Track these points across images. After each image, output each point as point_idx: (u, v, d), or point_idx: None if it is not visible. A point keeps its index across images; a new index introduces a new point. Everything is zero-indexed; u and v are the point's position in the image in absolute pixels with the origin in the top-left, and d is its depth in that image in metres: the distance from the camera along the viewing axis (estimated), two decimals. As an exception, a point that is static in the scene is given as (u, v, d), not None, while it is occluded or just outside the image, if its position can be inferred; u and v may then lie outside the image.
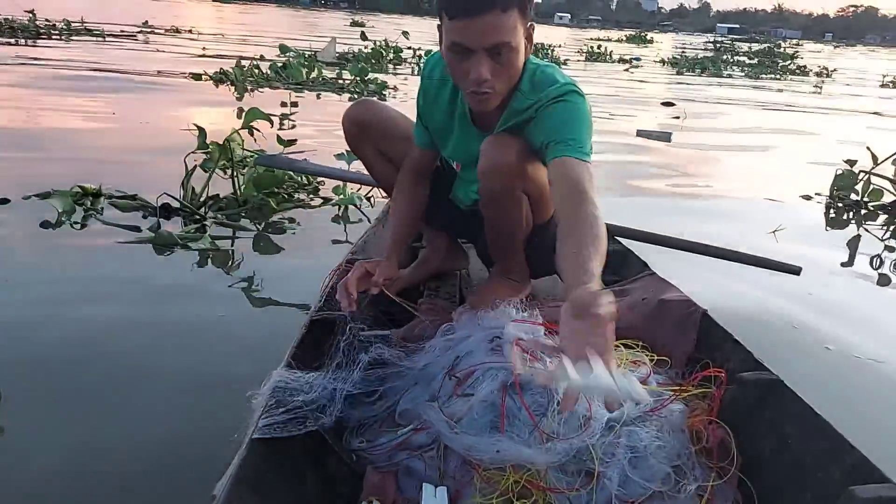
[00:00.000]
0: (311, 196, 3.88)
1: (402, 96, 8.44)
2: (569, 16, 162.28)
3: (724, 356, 1.63)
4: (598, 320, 1.13)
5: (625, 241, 2.45)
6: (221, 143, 3.57)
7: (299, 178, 3.95)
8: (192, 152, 3.54)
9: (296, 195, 3.85)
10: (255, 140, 3.76)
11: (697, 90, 13.23)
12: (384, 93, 8.65)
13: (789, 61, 25.19)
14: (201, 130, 3.58)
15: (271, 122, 3.68)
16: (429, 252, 2.28)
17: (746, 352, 1.57)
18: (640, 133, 7.03)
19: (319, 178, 3.95)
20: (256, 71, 9.17)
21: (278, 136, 3.96)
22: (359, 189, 3.71)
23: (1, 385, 1.74)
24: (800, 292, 2.87)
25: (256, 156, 3.66)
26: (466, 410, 1.35)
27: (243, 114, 3.64)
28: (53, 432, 1.67)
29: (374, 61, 12.45)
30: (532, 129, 1.67)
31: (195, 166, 3.53)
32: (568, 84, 1.66)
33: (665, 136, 6.97)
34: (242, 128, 3.61)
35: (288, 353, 1.52)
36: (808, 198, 4.81)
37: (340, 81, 9.26)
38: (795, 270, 2.41)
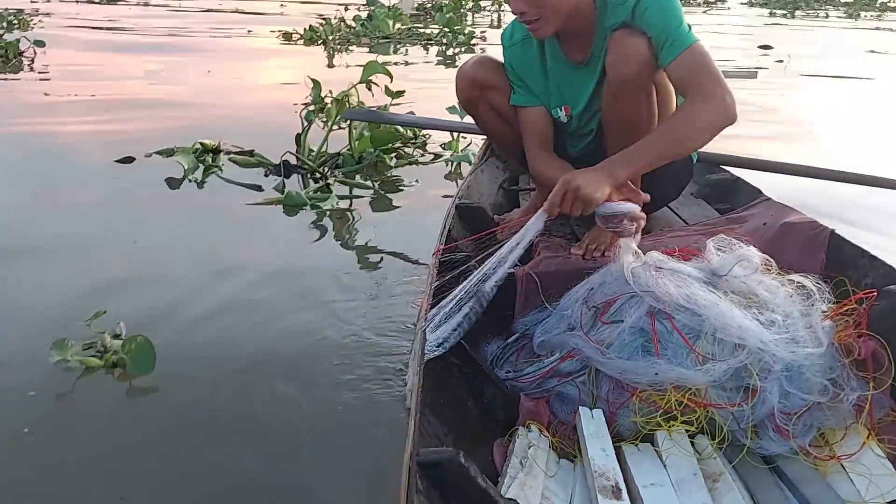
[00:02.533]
0: (422, 152, 3.92)
1: (486, 45, 8.44)
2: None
3: (859, 272, 1.62)
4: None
5: (733, 170, 2.43)
6: (336, 98, 3.58)
7: (405, 133, 3.96)
8: (306, 107, 3.58)
9: (405, 150, 3.88)
10: (372, 95, 3.74)
11: (795, 32, 12.51)
12: (472, 43, 8.64)
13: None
14: (316, 84, 3.59)
15: (391, 76, 3.66)
16: (537, 197, 2.30)
17: (887, 266, 1.56)
18: (727, 75, 6.74)
19: (424, 131, 3.98)
20: (343, 25, 9.20)
21: (386, 87, 3.92)
22: (469, 144, 3.73)
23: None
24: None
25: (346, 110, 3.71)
26: (616, 336, 1.40)
27: (363, 67, 3.63)
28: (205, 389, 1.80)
29: (457, 11, 12.29)
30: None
31: (310, 122, 3.59)
32: None
33: (751, 74, 6.67)
34: (360, 82, 3.60)
35: (428, 293, 1.59)
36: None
37: (427, 31, 9.23)
38: None
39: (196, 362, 1.87)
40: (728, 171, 2.42)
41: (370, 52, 8.13)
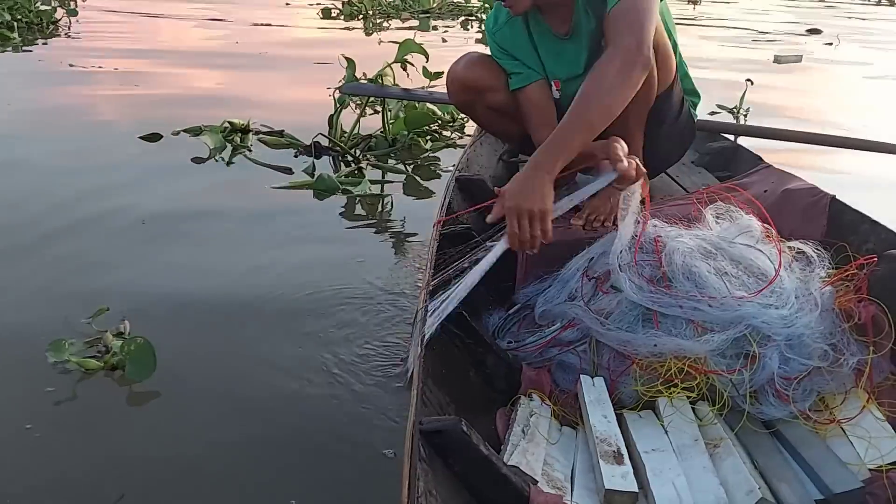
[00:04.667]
0: (460, 134, 3.83)
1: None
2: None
3: (860, 238, 1.62)
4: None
5: (733, 137, 2.42)
6: (371, 79, 3.44)
7: (443, 115, 3.88)
8: (338, 90, 3.47)
9: (441, 133, 3.80)
10: (408, 75, 3.63)
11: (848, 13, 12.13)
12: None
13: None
14: (350, 62, 3.49)
15: (427, 56, 3.57)
16: None
17: (888, 231, 1.56)
18: (777, 59, 6.55)
19: (462, 114, 3.90)
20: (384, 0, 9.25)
21: (424, 68, 3.79)
22: None
23: (151, 330, 1.78)
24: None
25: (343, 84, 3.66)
26: (616, 306, 1.40)
27: (398, 46, 3.52)
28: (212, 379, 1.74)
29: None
30: None
31: (343, 104, 3.48)
32: None
33: (797, 58, 6.55)
34: (396, 61, 3.49)
35: (429, 265, 1.60)
36: None
37: (469, 6, 9.19)
38: None
39: (201, 358, 1.81)
40: (728, 139, 2.42)
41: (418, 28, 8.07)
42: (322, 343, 1.86)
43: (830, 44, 8.06)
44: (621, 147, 1.53)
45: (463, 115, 3.92)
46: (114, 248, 2.37)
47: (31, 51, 6.35)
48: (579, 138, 1.50)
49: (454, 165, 2.39)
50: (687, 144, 2.13)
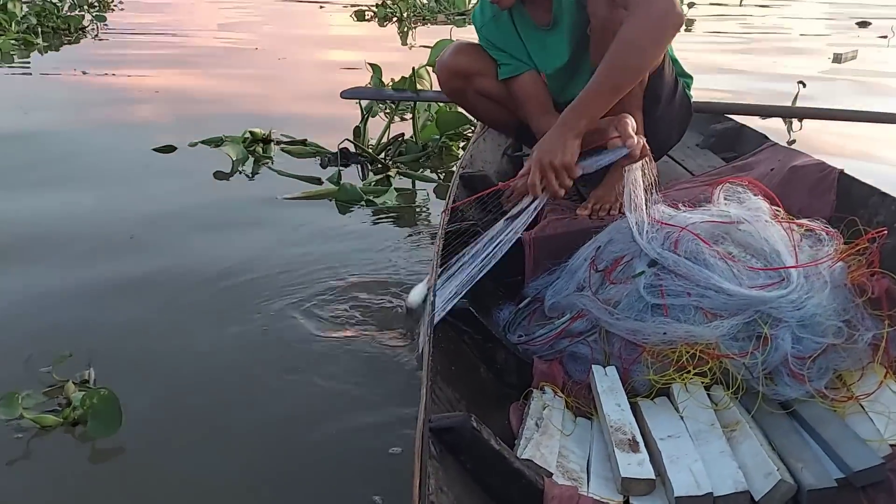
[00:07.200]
0: None
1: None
2: None
3: (870, 211, 1.60)
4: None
5: (737, 118, 2.39)
6: (406, 79, 3.29)
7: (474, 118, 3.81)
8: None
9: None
10: None
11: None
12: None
13: None
14: (376, 68, 3.42)
15: None
16: None
17: None
18: (837, 58, 6.23)
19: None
20: (418, 1, 9.38)
21: None
22: None
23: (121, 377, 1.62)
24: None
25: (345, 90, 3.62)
26: (625, 296, 1.39)
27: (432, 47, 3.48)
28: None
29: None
30: None
31: (370, 112, 3.36)
32: None
33: (853, 55, 6.32)
34: (429, 64, 3.36)
35: (435, 262, 1.59)
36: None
37: None
38: None
39: (177, 404, 1.60)
40: (732, 120, 2.39)
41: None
42: (322, 374, 1.69)
43: (885, 37, 7.76)
44: (630, 123, 1.55)
45: None
46: (89, 276, 2.12)
47: (52, 54, 6.49)
48: (604, 100, 1.55)
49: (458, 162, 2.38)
50: (685, 125, 2.11)
